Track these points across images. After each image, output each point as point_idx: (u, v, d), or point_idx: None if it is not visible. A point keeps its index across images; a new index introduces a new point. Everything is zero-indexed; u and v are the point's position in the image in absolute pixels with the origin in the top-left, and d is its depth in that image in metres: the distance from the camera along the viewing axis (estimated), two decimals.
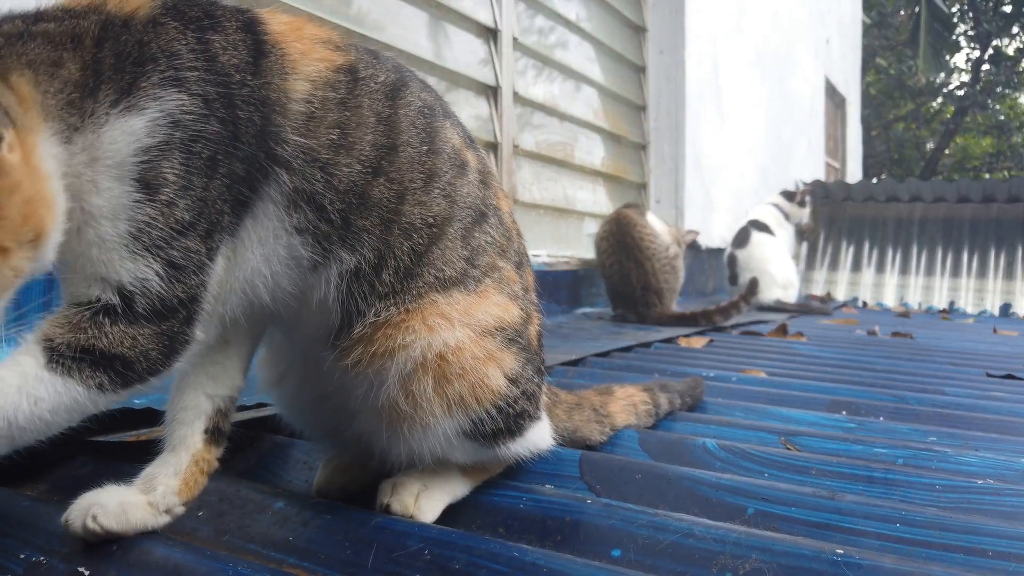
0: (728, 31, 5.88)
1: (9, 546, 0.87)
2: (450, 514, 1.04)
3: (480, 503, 1.07)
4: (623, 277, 3.69)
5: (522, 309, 1.05)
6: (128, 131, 0.78)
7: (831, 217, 7.72)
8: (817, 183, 7.81)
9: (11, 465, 1.15)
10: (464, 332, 0.96)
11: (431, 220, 0.96)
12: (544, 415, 1.14)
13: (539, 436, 1.10)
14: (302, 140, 0.88)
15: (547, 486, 1.15)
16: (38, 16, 0.82)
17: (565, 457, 1.22)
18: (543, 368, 1.13)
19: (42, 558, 0.84)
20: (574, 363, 2.32)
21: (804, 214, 5.46)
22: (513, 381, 1.00)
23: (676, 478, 1.16)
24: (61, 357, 0.79)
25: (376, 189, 0.93)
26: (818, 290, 7.09)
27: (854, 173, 10.87)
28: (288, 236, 0.89)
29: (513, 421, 1.01)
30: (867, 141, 14.11)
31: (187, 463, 0.92)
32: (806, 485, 1.17)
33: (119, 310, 0.80)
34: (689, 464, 1.27)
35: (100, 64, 0.79)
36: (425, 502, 1.00)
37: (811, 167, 8.24)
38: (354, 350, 0.94)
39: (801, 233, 7.54)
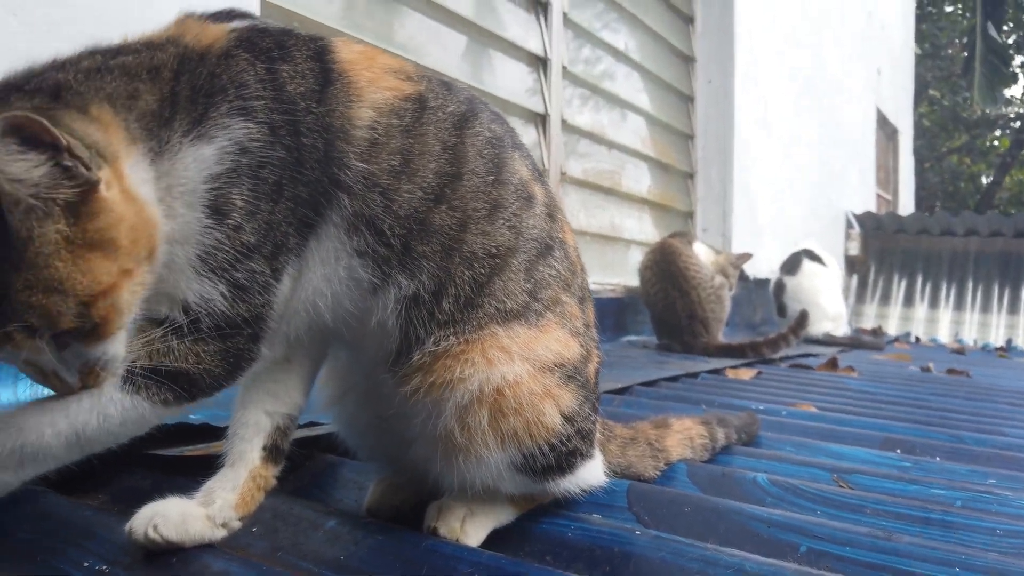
0: (777, 60, 5.85)
1: (73, 555, 0.89)
2: (497, 540, 1.04)
3: (528, 530, 1.07)
4: (668, 306, 3.67)
5: (582, 346, 1.04)
6: (199, 159, 0.82)
7: (883, 250, 7.59)
8: (868, 215, 7.69)
9: (75, 476, 1.18)
10: (523, 367, 0.96)
11: (494, 250, 0.97)
12: (597, 452, 1.13)
13: (590, 474, 1.10)
14: (364, 166, 0.90)
15: (595, 515, 1.14)
16: (118, 50, 0.86)
17: (613, 487, 1.21)
18: (598, 405, 1.13)
19: (104, 567, 0.86)
20: (620, 391, 2.31)
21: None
22: (569, 419, 0.99)
23: (726, 512, 1.14)
24: (131, 375, 0.82)
25: (438, 216, 0.94)
26: (868, 324, 6.95)
27: (906, 205, 10.66)
28: (348, 258, 0.91)
29: (565, 459, 1.01)
30: (920, 173, 13.84)
31: (244, 479, 0.94)
32: (861, 524, 1.15)
33: (185, 329, 0.83)
34: (739, 498, 1.25)
35: (176, 96, 0.83)
36: (470, 527, 1.00)
37: (862, 198, 8.12)
38: (413, 378, 0.95)
39: (851, 265, 7.43)
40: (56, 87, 0.79)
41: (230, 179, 0.82)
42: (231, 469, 0.95)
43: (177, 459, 1.24)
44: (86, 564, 0.87)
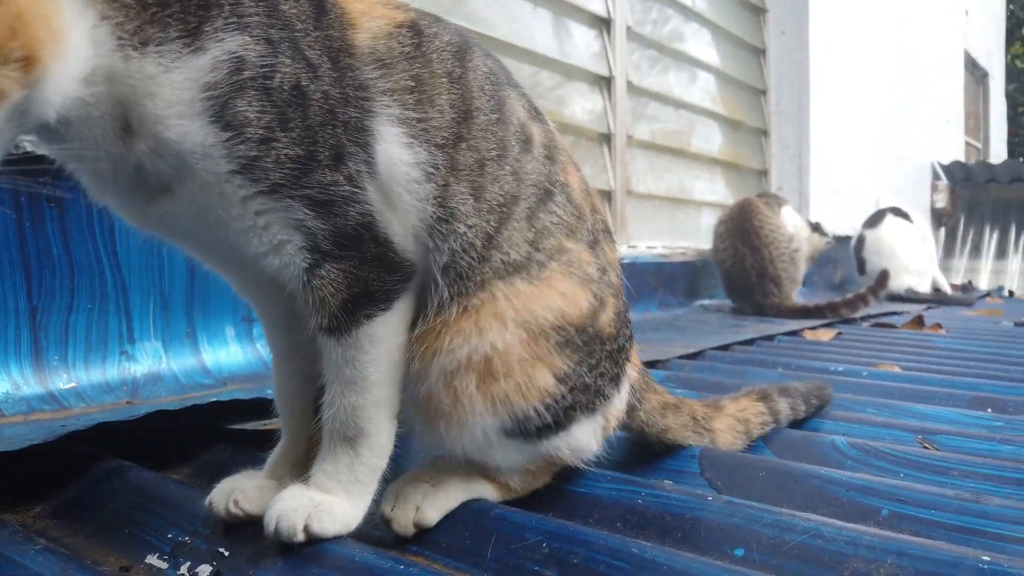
0: (855, 6, 5.59)
1: (159, 526, 0.94)
2: (565, 506, 1.04)
3: (598, 497, 1.06)
4: (737, 263, 3.59)
5: (594, 295, 0.98)
6: (195, 68, 0.78)
7: (972, 200, 7.23)
8: (956, 164, 7.33)
9: (162, 450, 1.24)
10: (516, 334, 0.92)
11: (501, 198, 0.93)
12: (612, 404, 1.05)
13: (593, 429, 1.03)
14: (380, 81, 0.87)
15: (666, 482, 1.13)
16: None
17: (685, 453, 1.19)
18: (619, 357, 1.05)
19: (187, 538, 0.90)
20: (692, 356, 2.27)
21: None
22: (561, 380, 0.95)
23: (803, 476, 1.11)
24: (333, 320, 0.86)
25: (461, 155, 0.91)
26: (957, 279, 6.65)
27: (998, 153, 10.09)
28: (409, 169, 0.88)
29: (564, 413, 0.96)
30: (1012, 118, 13.04)
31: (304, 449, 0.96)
32: (947, 487, 1.10)
33: (314, 258, 0.84)
34: (817, 462, 1.22)
35: (166, 4, 0.79)
36: (429, 506, 0.95)
37: (949, 147, 7.72)
38: (412, 347, 0.92)
39: (939, 218, 7.10)
40: None
41: (232, 89, 0.79)
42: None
43: (254, 433, 1.28)
44: (169, 535, 0.91)
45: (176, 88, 0.78)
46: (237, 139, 0.79)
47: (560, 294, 0.95)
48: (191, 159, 0.79)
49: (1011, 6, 12.13)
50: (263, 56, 0.80)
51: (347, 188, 0.84)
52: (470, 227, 0.91)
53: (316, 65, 0.83)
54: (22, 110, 0.72)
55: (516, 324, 0.92)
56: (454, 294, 0.91)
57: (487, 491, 1.00)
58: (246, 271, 0.93)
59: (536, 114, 1.03)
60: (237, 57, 0.79)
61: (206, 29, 0.79)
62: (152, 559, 0.88)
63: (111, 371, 1.51)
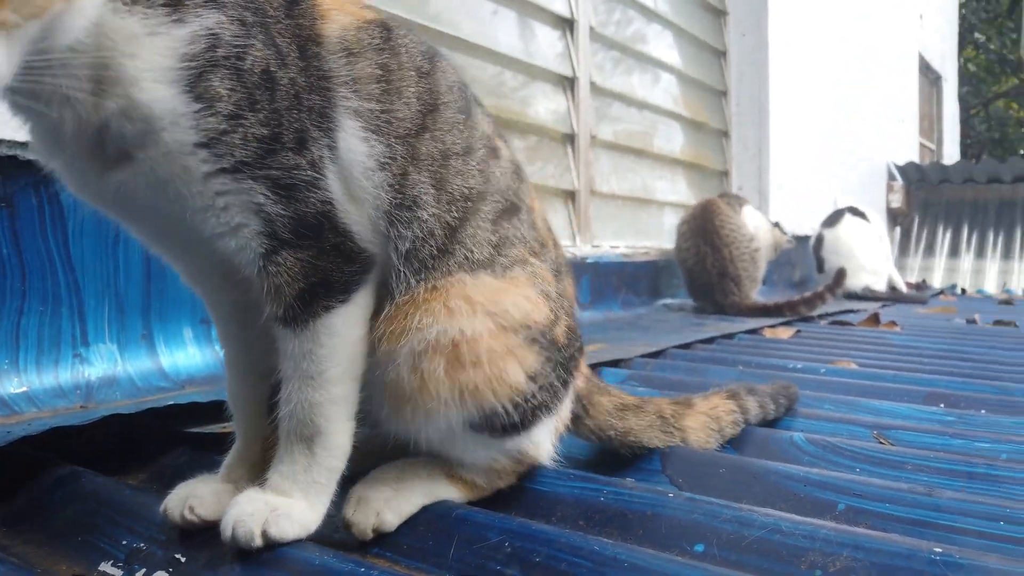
0: (813, 10, 5.68)
1: (113, 533, 0.92)
2: (528, 505, 1.04)
3: (559, 495, 1.06)
4: (699, 261, 3.63)
5: (552, 311, 1.00)
6: (175, 38, 0.78)
7: (926, 200, 7.40)
8: (911, 165, 7.49)
9: (117, 455, 1.21)
10: (485, 323, 0.91)
11: (466, 191, 0.94)
12: (557, 414, 1.06)
13: (549, 430, 1.04)
14: (345, 70, 0.88)
15: (628, 479, 1.13)
16: None
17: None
18: (570, 365, 1.06)
19: (142, 544, 0.88)
20: (654, 355, 2.28)
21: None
22: (532, 378, 0.95)
23: (762, 472, 1.13)
24: (286, 316, 0.85)
25: (424, 145, 0.92)
26: (912, 277, 6.80)
27: (951, 154, 10.34)
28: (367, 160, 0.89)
29: (531, 413, 0.97)
30: (965, 120, 13.38)
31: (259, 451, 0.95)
32: (901, 481, 1.12)
33: (271, 244, 0.83)
34: (776, 459, 1.23)
35: None
36: (389, 511, 0.94)
37: (904, 148, 7.89)
38: (378, 328, 0.92)
39: (894, 217, 7.26)
40: None
41: (207, 64, 0.79)
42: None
43: (212, 436, 1.26)
44: (124, 542, 0.89)
45: (156, 53, 0.78)
46: (207, 111, 0.79)
47: (525, 297, 0.96)
48: (159, 125, 0.78)
49: (963, 11, 12.44)
50: (237, 37, 0.81)
51: (309, 173, 0.84)
52: (432, 215, 0.91)
53: (285, 53, 0.84)
54: (51, 29, 0.72)
55: (485, 313, 0.92)
56: (420, 280, 0.91)
57: (451, 493, 1.00)
58: (199, 255, 0.91)
59: (502, 139, 1.05)
60: (213, 34, 0.80)
61: (187, 2, 0.80)
62: (106, 566, 0.86)
63: (64, 375, 1.48)
